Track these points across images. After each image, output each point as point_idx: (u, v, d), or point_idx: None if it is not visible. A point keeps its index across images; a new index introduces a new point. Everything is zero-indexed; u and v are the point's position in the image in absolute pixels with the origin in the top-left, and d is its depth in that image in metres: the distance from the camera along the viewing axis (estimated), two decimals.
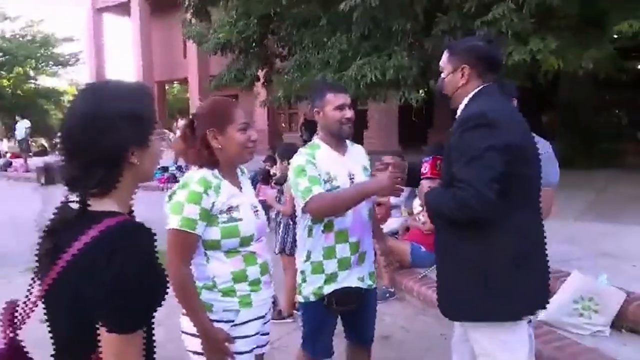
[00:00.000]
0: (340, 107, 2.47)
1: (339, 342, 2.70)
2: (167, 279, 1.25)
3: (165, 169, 14.10)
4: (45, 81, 33.94)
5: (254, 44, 11.82)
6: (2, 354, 1.22)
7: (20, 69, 30.52)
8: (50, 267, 1.15)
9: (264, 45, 12.00)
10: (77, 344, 1.17)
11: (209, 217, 1.94)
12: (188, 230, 1.90)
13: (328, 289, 2.45)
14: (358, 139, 2.60)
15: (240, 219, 1.99)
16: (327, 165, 2.45)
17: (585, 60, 6.05)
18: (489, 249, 1.92)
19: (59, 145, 1.23)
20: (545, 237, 2.05)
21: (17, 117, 17.52)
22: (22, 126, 17.41)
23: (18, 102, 29.87)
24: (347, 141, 2.61)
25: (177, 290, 1.85)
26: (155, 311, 1.22)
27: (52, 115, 33.56)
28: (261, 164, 7.31)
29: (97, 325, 1.11)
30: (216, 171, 2.02)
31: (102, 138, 1.16)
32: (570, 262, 4.31)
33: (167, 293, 1.25)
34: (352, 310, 2.55)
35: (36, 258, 1.22)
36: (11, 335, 1.24)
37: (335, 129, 2.49)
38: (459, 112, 2.07)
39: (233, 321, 2.00)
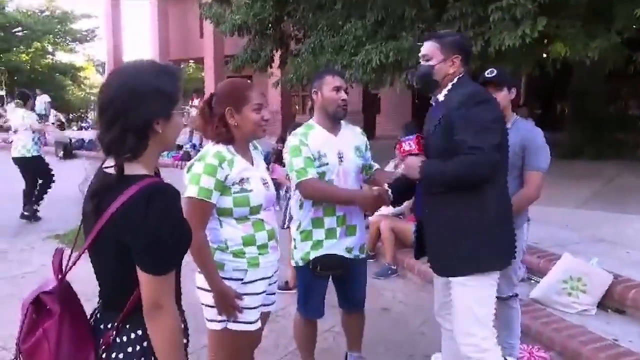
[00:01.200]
0: (337, 89, 2.67)
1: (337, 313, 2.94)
2: (191, 231, 1.48)
3: (179, 147, 14.38)
4: (62, 57, 34.32)
5: (269, 26, 11.93)
6: (56, 292, 1.44)
7: (38, 44, 30.86)
8: (95, 223, 1.36)
9: (280, 27, 12.10)
10: (120, 284, 1.41)
11: (222, 187, 2.18)
12: (204, 199, 2.14)
13: (313, 254, 2.71)
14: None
15: (251, 190, 2.22)
16: (319, 145, 2.68)
17: (592, 50, 6.14)
18: (477, 208, 2.23)
19: (98, 116, 1.47)
20: (510, 200, 2.42)
21: (37, 92, 17.84)
22: (42, 100, 17.73)
23: (35, 77, 30.27)
24: (343, 122, 2.81)
25: (194, 251, 2.08)
26: (182, 257, 1.47)
27: (69, 90, 33.96)
28: (274, 144, 7.52)
29: (137, 268, 1.35)
30: (231, 147, 2.25)
31: (136, 109, 1.36)
32: (567, 247, 4.49)
33: (189, 243, 1.49)
34: (340, 276, 2.82)
35: (81, 217, 1.46)
36: (60, 277, 1.47)
37: (332, 109, 2.70)
38: (442, 95, 2.36)
39: (242, 279, 2.24)
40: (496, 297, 3.23)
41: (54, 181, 7.32)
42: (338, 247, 2.74)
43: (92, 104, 32.45)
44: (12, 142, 7.45)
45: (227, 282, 2.20)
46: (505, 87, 2.79)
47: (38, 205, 7.18)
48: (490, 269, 2.28)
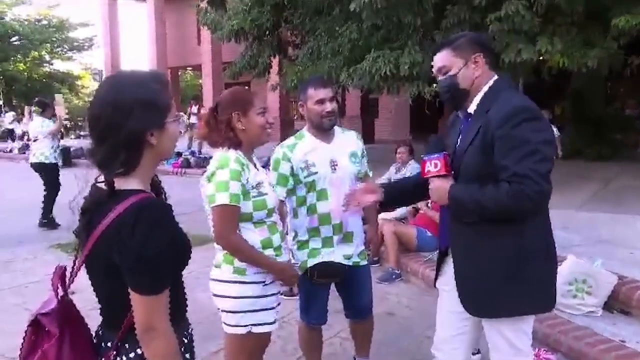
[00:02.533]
0: (321, 102, 2.67)
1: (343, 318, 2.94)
2: (189, 245, 1.44)
3: (179, 154, 14.37)
4: (59, 65, 34.32)
5: (267, 32, 11.96)
6: (54, 313, 1.41)
7: (35, 52, 30.85)
8: (87, 241, 1.34)
9: (278, 33, 12.13)
10: (116, 303, 1.37)
11: (245, 192, 2.22)
12: (236, 204, 2.18)
13: (311, 262, 2.72)
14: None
15: (267, 193, 2.29)
16: (306, 154, 2.68)
17: (592, 59, 6.17)
18: (521, 242, 1.94)
19: (88, 131, 1.43)
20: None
21: (55, 97, 17.83)
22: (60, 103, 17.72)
23: (33, 86, 30.25)
24: (337, 128, 2.81)
25: (237, 254, 2.20)
26: (180, 272, 1.44)
27: (66, 99, 33.92)
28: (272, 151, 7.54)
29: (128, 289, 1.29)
30: (240, 152, 2.28)
31: (124, 123, 1.30)
32: (569, 249, 4.49)
33: (189, 258, 1.45)
34: (343, 284, 2.82)
35: (75, 234, 1.42)
36: (62, 294, 1.44)
37: (316, 121, 2.71)
38: (474, 106, 2.05)
39: (264, 282, 2.29)
40: None
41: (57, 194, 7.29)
42: (335, 254, 2.74)
43: None
44: (25, 149, 7.47)
45: (249, 287, 2.25)
46: None
47: (51, 214, 7.19)
48: (530, 311, 2.04)
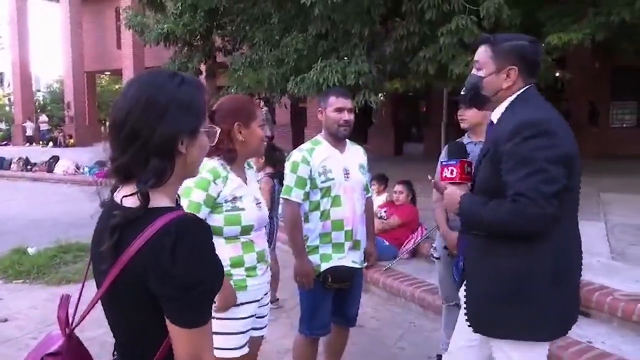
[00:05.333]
0: (339, 110, 2.71)
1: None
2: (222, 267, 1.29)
3: (102, 163, 13.63)
4: None
5: (198, 37, 11.69)
6: (62, 352, 1.24)
7: None
8: (111, 266, 1.14)
9: (209, 38, 11.89)
10: (144, 338, 1.19)
11: (213, 204, 2.11)
12: (194, 213, 2.01)
13: (324, 266, 2.69)
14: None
15: (243, 209, 2.16)
16: (324, 160, 2.70)
17: None
18: (529, 263, 1.82)
19: (109, 134, 1.21)
20: (582, 252, 1.96)
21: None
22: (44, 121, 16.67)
23: None
24: (348, 141, 2.85)
25: None
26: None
27: None
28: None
29: (167, 321, 1.12)
30: (226, 164, 2.17)
31: (157, 124, 1.15)
32: None
33: (222, 281, 1.30)
34: (344, 288, 2.79)
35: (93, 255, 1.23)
36: (68, 331, 1.26)
37: (333, 129, 2.74)
38: (497, 114, 1.94)
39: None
40: (446, 304, 3.31)
41: None
42: (346, 260, 2.75)
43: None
44: None
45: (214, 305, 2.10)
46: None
47: None
48: (535, 338, 1.87)
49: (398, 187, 5.51)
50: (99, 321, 1.29)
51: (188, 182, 2.04)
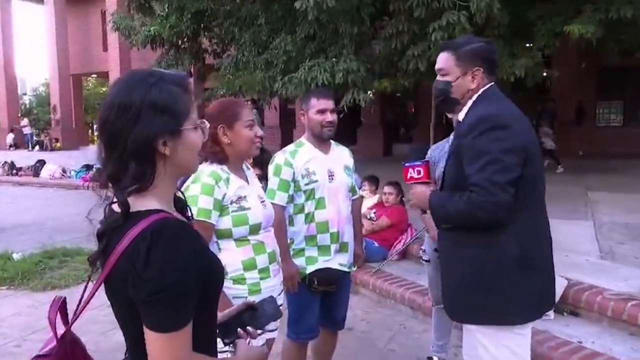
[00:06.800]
0: (322, 112, 2.69)
1: None
2: (219, 268, 1.29)
3: (89, 167, 13.50)
4: None
5: (185, 39, 11.59)
6: (53, 355, 1.20)
7: None
8: (102, 269, 1.16)
9: (197, 41, 11.80)
10: (137, 342, 1.16)
11: (221, 207, 2.09)
12: (205, 220, 2.04)
13: (310, 269, 2.67)
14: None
15: (249, 208, 2.14)
16: (307, 162, 2.67)
17: (519, 68, 6.57)
18: (495, 251, 1.89)
19: (99, 142, 1.21)
20: (551, 238, 2.06)
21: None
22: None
23: None
24: (332, 142, 2.82)
25: None
26: (211, 302, 1.24)
27: None
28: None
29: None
30: (224, 167, 2.15)
31: (132, 127, 1.13)
32: None
33: (222, 282, 1.31)
34: (331, 291, 2.76)
35: (89, 262, 1.21)
36: (63, 331, 1.23)
37: (317, 130, 2.71)
38: (462, 114, 2.03)
39: None
40: (436, 306, 3.30)
41: None
42: (332, 263, 2.73)
43: None
44: None
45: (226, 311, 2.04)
46: None
47: None
48: (504, 322, 1.92)
49: (387, 189, 5.49)
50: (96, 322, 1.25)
51: (192, 191, 2.06)
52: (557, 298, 3.80)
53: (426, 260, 3.36)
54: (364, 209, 5.86)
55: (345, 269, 2.80)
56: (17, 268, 5.43)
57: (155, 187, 1.18)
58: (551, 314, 3.75)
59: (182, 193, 1.35)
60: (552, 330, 3.55)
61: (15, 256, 5.90)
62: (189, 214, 1.33)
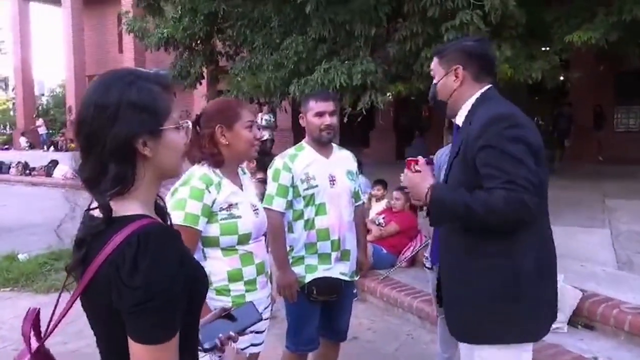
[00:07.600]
0: (320, 114, 2.60)
1: None
2: (205, 278, 1.24)
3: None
4: None
5: (199, 42, 11.59)
6: None
7: None
8: (81, 280, 1.10)
9: (210, 43, 11.78)
10: (113, 354, 1.12)
11: (209, 213, 1.99)
12: (191, 226, 1.94)
13: (309, 278, 2.57)
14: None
15: (239, 217, 2.03)
16: (307, 167, 2.58)
17: (535, 71, 6.41)
18: (518, 257, 1.76)
19: (76, 143, 1.17)
20: (554, 246, 1.93)
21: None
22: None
23: None
24: (335, 145, 2.73)
25: None
26: (195, 312, 1.19)
27: None
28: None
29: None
30: (217, 170, 2.05)
31: (110, 126, 1.09)
32: None
33: (206, 292, 1.26)
34: (332, 301, 2.65)
35: (66, 270, 1.17)
36: (36, 345, 1.16)
37: (316, 134, 2.62)
38: (461, 118, 1.93)
39: None
40: (441, 316, 3.15)
41: None
42: (333, 272, 2.62)
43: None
44: None
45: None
46: None
47: None
48: (522, 339, 1.80)
49: (396, 194, 5.37)
50: (80, 333, 1.19)
51: (181, 194, 1.96)
52: (571, 310, 3.65)
53: (429, 268, 3.24)
54: (372, 214, 5.75)
55: (347, 278, 2.68)
56: (21, 269, 5.42)
57: (136, 190, 1.14)
58: (564, 326, 3.61)
59: (163, 200, 1.29)
60: (566, 344, 3.40)
61: (21, 257, 5.88)
62: (169, 222, 1.25)
